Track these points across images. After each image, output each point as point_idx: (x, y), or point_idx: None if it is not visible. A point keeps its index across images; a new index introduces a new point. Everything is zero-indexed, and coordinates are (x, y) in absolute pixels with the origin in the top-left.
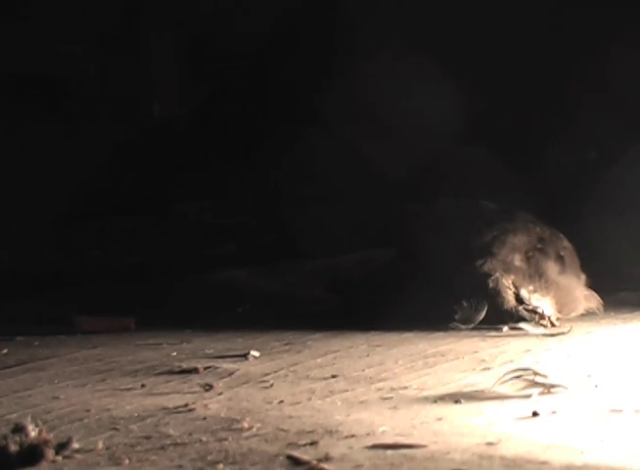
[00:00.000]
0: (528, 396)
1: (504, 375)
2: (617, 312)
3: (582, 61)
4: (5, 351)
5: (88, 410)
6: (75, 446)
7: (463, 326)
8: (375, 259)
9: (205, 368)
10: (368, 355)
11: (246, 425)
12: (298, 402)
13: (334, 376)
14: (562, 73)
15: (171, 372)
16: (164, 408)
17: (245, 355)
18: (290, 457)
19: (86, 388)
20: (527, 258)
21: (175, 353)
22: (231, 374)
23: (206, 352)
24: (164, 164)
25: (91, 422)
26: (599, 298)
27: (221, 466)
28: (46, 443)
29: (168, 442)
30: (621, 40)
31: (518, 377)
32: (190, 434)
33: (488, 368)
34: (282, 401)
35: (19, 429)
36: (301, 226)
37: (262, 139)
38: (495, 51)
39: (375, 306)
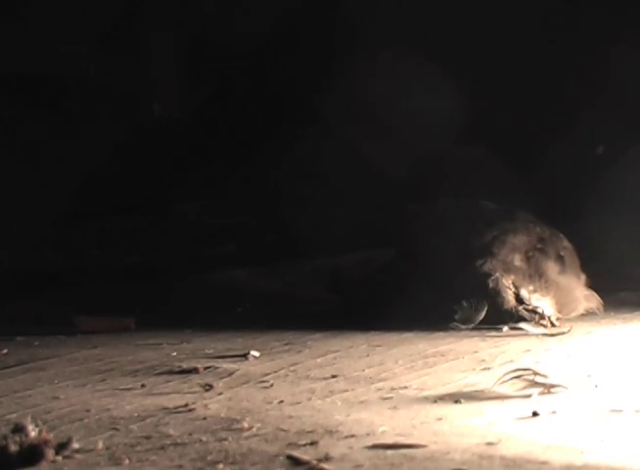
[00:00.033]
0: (528, 396)
1: (504, 375)
2: (617, 312)
3: (582, 61)
4: (5, 351)
5: (88, 410)
6: (75, 446)
7: (463, 326)
8: (375, 259)
9: (206, 368)
10: (368, 355)
11: (246, 425)
12: (298, 402)
13: (334, 376)
14: (562, 73)
15: (171, 372)
16: (164, 408)
17: (245, 355)
18: (290, 457)
19: (86, 388)
20: (527, 258)
21: (175, 353)
22: (231, 374)
23: (206, 352)
24: (164, 164)
25: (91, 422)
26: (599, 298)
27: (221, 466)
28: (46, 443)
29: (168, 442)
30: (621, 40)
31: (518, 377)
32: (190, 434)
33: (488, 368)
34: (282, 401)
35: (19, 429)
36: (302, 226)
37: (262, 139)
38: (495, 51)
39: (375, 306)
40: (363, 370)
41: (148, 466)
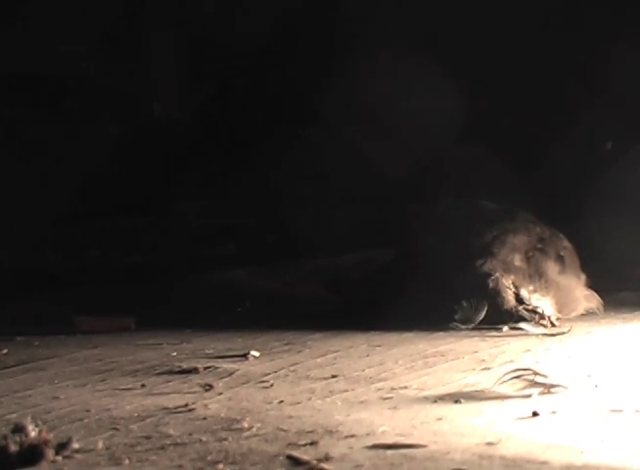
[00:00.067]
0: (528, 396)
1: (504, 375)
2: (617, 312)
3: (582, 61)
4: (5, 351)
5: (88, 410)
6: (75, 446)
7: (463, 326)
8: (375, 259)
9: (206, 368)
10: (368, 355)
11: (246, 425)
12: (298, 402)
13: (334, 376)
14: (562, 73)
15: (171, 372)
16: (164, 408)
17: (245, 355)
18: (290, 457)
19: (86, 388)
20: (527, 258)
21: (175, 353)
22: (231, 374)
23: (206, 352)
24: (164, 164)
25: (91, 422)
26: (599, 298)
27: (221, 466)
28: (46, 443)
29: (168, 442)
30: (621, 40)
31: (518, 377)
32: (190, 434)
33: (488, 368)
34: (282, 401)
35: (19, 429)
36: (302, 226)
37: (262, 139)
38: (495, 51)
39: (375, 306)
40: (363, 370)
41: (148, 466)
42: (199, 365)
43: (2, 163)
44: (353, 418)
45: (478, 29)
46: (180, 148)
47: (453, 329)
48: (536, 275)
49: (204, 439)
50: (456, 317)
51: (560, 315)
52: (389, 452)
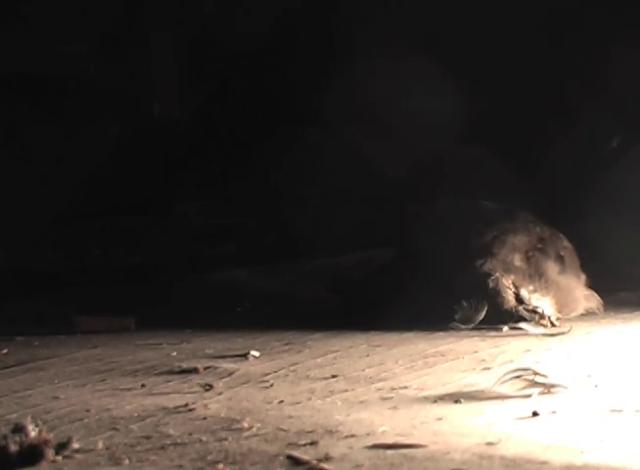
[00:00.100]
0: (528, 396)
1: (504, 375)
2: (617, 312)
3: (582, 61)
4: (5, 351)
5: (88, 410)
6: (75, 446)
7: (463, 326)
8: (375, 259)
9: (206, 368)
10: (368, 355)
11: (246, 425)
12: (298, 402)
13: (334, 376)
14: (562, 74)
15: (171, 372)
16: (164, 408)
17: (245, 355)
18: (290, 457)
19: (86, 388)
20: (527, 258)
21: (175, 353)
22: (231, 374)
23: (206, 352)
24: (164, 164)
25: (91, 422)
26: (599, 298)
27: (221, 466)
28: (46, 443)
29: (168, 442)
30: (621, 40)
31: (518, 377)
32: (190, 434)
33: (488, 368)
34: (282, 401)
35: (19, 429)
36: (302, 226)
37: (262, 139)
38: (495, 51)
39: (375, 306)
40: (363, 370)
41: (148, 466)
42: (199, 365)
43: (2, 163)
44: (353, 418)
45: (478, 29)
46: (180, 148)
47: (453, 329)
48: (536, 275)
49: (204, 439)
50: (456, 317)
51: (560, 315)
52: (389, 452)
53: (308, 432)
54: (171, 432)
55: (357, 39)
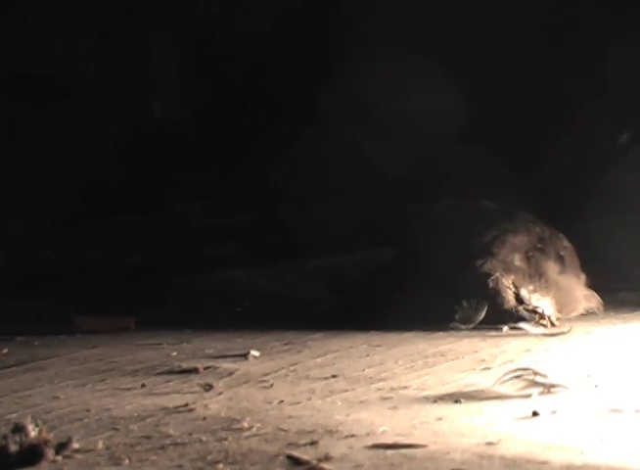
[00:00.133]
0: (528, 396)
1: (504, 375)
2: (617, 312)
3: (582, 61)
4: (5, 351)
5: (88, 410)
6: (75, 446)
7: (463, 326)
8: (375, 259)
9: (206, 368)
10: (368, 355)
11: (246, 425)
12: (298, 402)
13: (334, 376)
14: (562, 73)
15: (171, 372)
16: (164, 408)
17: (245, 355)
18: (290, 457)
19: (86, 388)
20: (527, 258)
21: (175, 353)
22: (231, 374)
23: (206, 351)
24: (164, 164)
25: (91, 422)
26: (599, 298)
27: (221, 466)
28: (46, 443)
29: (168, 442)
30: (621, 40)
31: (518, 377)
32: (190, 434)
33: (488, 368)
34: (282, 401)
35: (19, 429)
36: (301, 226)
37: (262, 139)
38: (495, 51)
39: (375, 306)
40: (363, 370)
41: (148, 466)
42: (199, 365)
43: (2, 163)
44: (353, 418)
45: (478, 29)
46: (180, 148)
47: (453, 329)
48: (536, 275)
49: (204, 439)
50: (456, 317)
51: (560, 315)
52: (389, 452)
53: (308, 432)
54: (171, 432)
55: (357, 39)
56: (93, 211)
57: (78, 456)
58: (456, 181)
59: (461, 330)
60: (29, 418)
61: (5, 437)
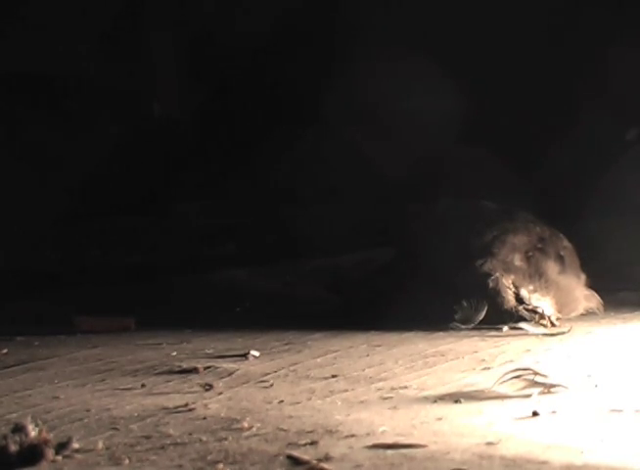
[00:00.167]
0: (528, 396)
1: (504, 375)
2: (617, 312)
3: (582, 61)
4: (5, 351)
5: (88, 410)
6: (75, 446)
7: (463, 326)
8: (375, 259)
9: (206, 368)
10: (368, 355)
11: (246, 425)
12: (298, 402)
13: (334, 376)
14: (562, 74)
15: (171, 372)
16: (164, 408)
17: (245, 355)
18: (290, 457)
19: (86, 388)
20: (527, 258)
21: (175, 353)
22: (231, 374)
23: (206, 352)
24: (164, 164)
25: (91, 422)
26: (599, 298)
27: (221, 466)
28: (46, 443)
29: (168, 442)
30: (621, 40)
31: (518, 377)
32: (190, 434)
33: (488, 368)
34: (282, 401)
35: (19, 429)
36: (301, 226)
37: (262, 139)
38: (495, 51)
39: (375, 306)
40: (363, 370)
41: (148, 466)
42: (199, 365)
43: (2, 163)
44: (353, 418)
45: (478, 29)
46: (180, 148)
47: (453, 329)
48: (536, 275)
49: (204, 439)
50: (456, 317)
51: (560, 315)
52: (389, 452)
53: (308, 432)
54: (171, 432)
55: (357, 39)
56: (93, 211)
57: (78, 456)
58: (456, 181)
59: (461, 330)
60: (29, 418)
61: (5, 437)
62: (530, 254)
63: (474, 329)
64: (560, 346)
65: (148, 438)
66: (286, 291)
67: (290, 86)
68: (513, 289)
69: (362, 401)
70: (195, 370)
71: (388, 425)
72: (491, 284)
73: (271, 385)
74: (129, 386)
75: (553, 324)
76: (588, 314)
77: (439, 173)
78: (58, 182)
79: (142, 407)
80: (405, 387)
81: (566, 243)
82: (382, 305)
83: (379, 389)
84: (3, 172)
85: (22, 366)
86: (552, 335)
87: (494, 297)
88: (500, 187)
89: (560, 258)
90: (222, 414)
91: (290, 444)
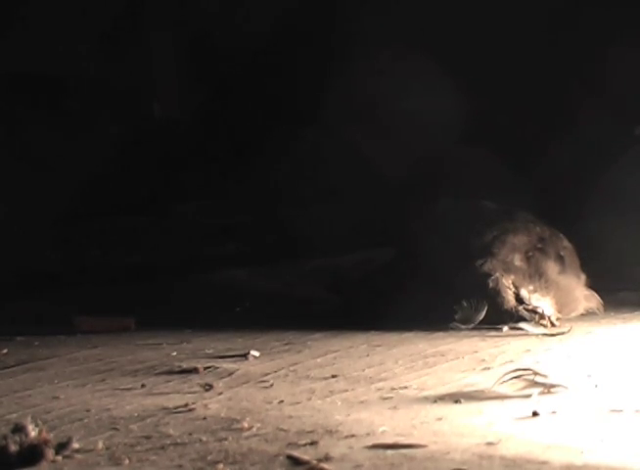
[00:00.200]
0: (528, 396)
1: (504, 375)
2: (617, 312)
3: (582, 61)
4: (5, 351)
5: (88, 410)
6: (75, 446)
7: (463, 326)
8: (375, 259)
9: (206, 368)
10: (368, 355)
11: (246, 425)
12: (298, 402)
13: (334, 376)
14: (561, 73)
15: (171, 372)
16: (164, 408)
17: (245, 355)
18: (290, 457)
19: (86, 388)
20: (527, 258)
21: (175, 353)
22: (231, 374)
23: (206, 352)
24: (164, 164)
25: (91, 422)
26: (599, 298)
27: (221, 466)
28: (46, 443)
29: (168, 442)
30: (621, 40)
31: (518, 377)
32: (190, 434)
33: (488, 368)
34: (282, 401)
35: (19, 429)
36: (301, 226)
37: (262, 139)
38: (495, 50)
39: (375, 306)
40: (363, 370)
41: (148, 466)
42: (199, 365)
43: (2, 163)
44: (353, 418)
45: (477, 29)
46: (180, 148)
47: (453, 329)
48: (536, 275)
49: (204, 439)
50: (456, 317)
51: (560, 315)
52: (389, 452)
53: (308, 432)
54: (171, 432)
55: (356, 39)
56: (93, 211)
57: (78, 456)
58: (456, 181)
59: (461, 330)
60: (29, 418)
61: (5, 437)
62: (530, 254)
63: (474, 329)
64: (560, 346)
65: (148, 438)
66: (286, 291)
67: (289, 86)
68: (513, 289)
69: (362, 402)
70: (195, 370)
71: (388, 425)
72: (491, 284)
73: (271, 385)
74: (129, 386)
75: (553, 324)
76: (588, 314)
77: (439, 173)
78: (58, 182)
79: (142, 407)
80: (405, 387)
81: (566, 243)
82: (382, 305)
83: (379, 389)
84: (3, 172)
85: (22, 366)
86: (552, 335)
87: (494, 297)
88: (500, 187)
89: (560, 258)
90: (222, 414)
91: (290, 444)
